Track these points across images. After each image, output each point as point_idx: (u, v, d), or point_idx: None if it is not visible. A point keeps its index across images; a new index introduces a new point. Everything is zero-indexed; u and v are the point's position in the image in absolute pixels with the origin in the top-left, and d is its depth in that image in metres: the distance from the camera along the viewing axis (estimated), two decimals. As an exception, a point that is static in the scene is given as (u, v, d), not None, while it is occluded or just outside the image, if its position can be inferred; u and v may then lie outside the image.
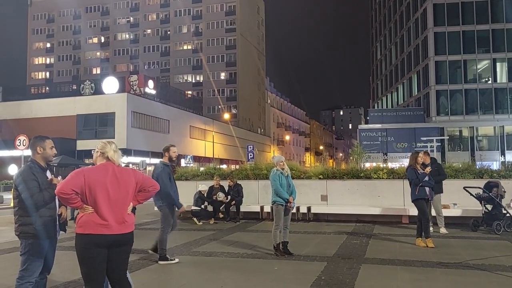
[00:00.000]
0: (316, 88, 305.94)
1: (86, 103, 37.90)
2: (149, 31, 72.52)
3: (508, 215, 8.93)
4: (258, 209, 11.73)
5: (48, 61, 77.05)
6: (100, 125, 37.32)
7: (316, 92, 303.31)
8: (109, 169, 3.43)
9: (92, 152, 4.21)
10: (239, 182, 12.16)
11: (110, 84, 40.81)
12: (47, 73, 76.66)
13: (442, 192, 8.88)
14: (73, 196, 3.27)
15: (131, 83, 44.69)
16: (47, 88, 55.35)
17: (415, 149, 33.69)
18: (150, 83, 46.03)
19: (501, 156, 38.53)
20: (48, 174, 4.05)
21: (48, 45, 77.12)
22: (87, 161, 37.33)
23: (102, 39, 74.43)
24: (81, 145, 35.95)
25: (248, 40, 72.09)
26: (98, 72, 71.70)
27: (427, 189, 7.66)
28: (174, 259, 6.42)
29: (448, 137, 41.57)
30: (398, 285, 5.08)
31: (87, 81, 44.80)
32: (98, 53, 74.01)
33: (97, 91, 41.25)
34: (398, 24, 57.34)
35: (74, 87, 47.41)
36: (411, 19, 51.88)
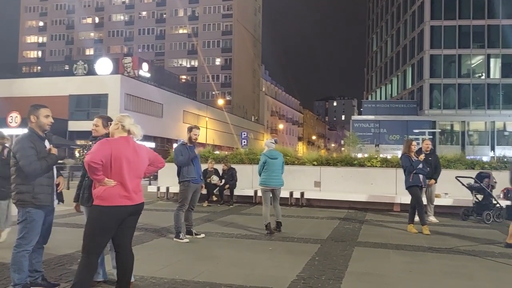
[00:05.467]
0: (311, 78, 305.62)
1: (79, 83, 37.46)
2: (144, 13, 71.54)
3: (498, 205, 9.08)
4: (252, 193, 11.80)
5: (40, 40, 75.84)
6: (93, 106, 36.95)
7: (310, 82, 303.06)
8: (130, 142, 3.52)
9: (93, 129, 4.20)
10: (233, 166, 12.19)
11: (104, 65, 40.35)
12: (39, 52, 75.50)
13: (436, 182, 8.99)
14: (100, 167, 3.31)
15: (125, 65, 44.24)
16: (39, 67, 54.59)
17: (409, 137, 34.03)
18: (145, 65, 45.61)
19: (491, 151, 38.99)
20: (47, 143, 4.03)
21: (41, 23, 75.82)
22: (78, 142, 37.09)
23: (97, 20, 73.31)
24: (73, 126, 35.67)
25: (244, 26, 71.51)
26: (91, 53, 70.77)
27: (421, 176, 7.74)
28: (184, 239, 6.45)
29: (440, 131, 41.93)
30: (390, 266, 5.16)
31: (80, 61, 44.29)
32: (92, 34, 72.96)
33: (90, 71, 40.78)
34: (395, 16, 57.23)
35: (67, 67, 46.84)
36: (408, 11, 51.79)
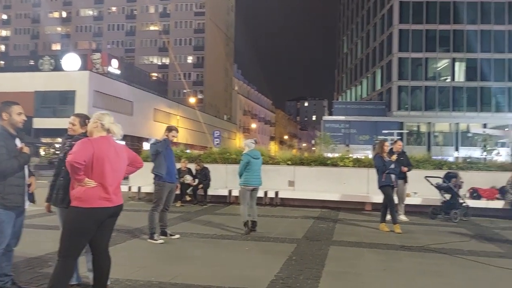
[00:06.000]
0: (283, 78, 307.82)
1: (45, 79, 36.23)
2: (114, 8, 70.02)
3: (464, 204, 9.41)
4: (226, 193, 11.73)
5: (4, 34, 72.91)
6: (60, 103, 35.85)
7: (282, 82, 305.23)
8: (111, 142, 3.43)
9: (69, 127, 4.03)
10: (206, 166, 12.10)
11: (71, 61, 39.24)
12: (3, 46, 72.59)
13: (407, 181, 9.22)
14: (83, 167, 3.20)
15: (94, 61, 43.21)
16: (2, 62, 52.51)
17: (379, 137, 34.84)
18: (114, 62, 44.69)
19: (456, 152, 40.42)
20: (18, 142, 3.86)
21: (5, 16, 72.88)
22: (44, 140, 35.90)
23: (64, 14, 71.15)
24: (39, 123, 34.44)
25: (217, 25, 71.19)
26: (58, 48, 68.62)
27: (392, 176, 7.93)
28: (158, 240, 6.34)
29: (407, 131, 43.12)
30: (365, 265, 5.25)
31: (47, 56, 42.86)
32: (59, 28, 70.72)
33: (57, 67, 39.57)
34: (365, 19, 58.41)
35: (32, 62, 45.26)
36: (377, 15, 52.96)
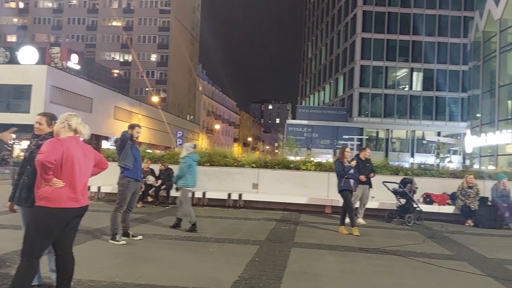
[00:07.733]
0: (248, 81, 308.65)
1: (-1, 72, 34.58)
2: (75, 1, 67.77)
3: (418, 209, 9.90)
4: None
5: (-46, 22, 68.81)
6: (14, 97, 34.32)
7: (247, 84, 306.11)
8: (79, 143, 3.43)
9: (36, 127, 3.94)
10: (170, 167, 12.01)
11: (28, 54, 37.59)
12: (-48, 35, 68.47)
13: (372, 187, 9.58)
14: (53, 167, 3.18)
15: (53, 55, 41.63)
16: (-48, 51, 49.44)
17: (339, 142, 35.82)
18: (74, 57, 43.22)
19: (411, 158, 42.11)
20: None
21: (-45, 3, 68.83)
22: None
23: (21, 5, 68.07)
24: (-10, 117, 32.76)
25: (182, 24, 70.48)
26: (14, 40, 65.59)
27: (351, 181, 8.24)
28: (120, 241, 6.27)
29: (367, 137, 44.48)
30: (326, 266, 5.46)
31: (2, 48, 40.92)
32: (15, 19, 67.58)
33: (12, 60, 37.82)
34: (330, 26, 59.75)
35: (-15, 53, 43.02)
36: (341, 22, 54.33)
